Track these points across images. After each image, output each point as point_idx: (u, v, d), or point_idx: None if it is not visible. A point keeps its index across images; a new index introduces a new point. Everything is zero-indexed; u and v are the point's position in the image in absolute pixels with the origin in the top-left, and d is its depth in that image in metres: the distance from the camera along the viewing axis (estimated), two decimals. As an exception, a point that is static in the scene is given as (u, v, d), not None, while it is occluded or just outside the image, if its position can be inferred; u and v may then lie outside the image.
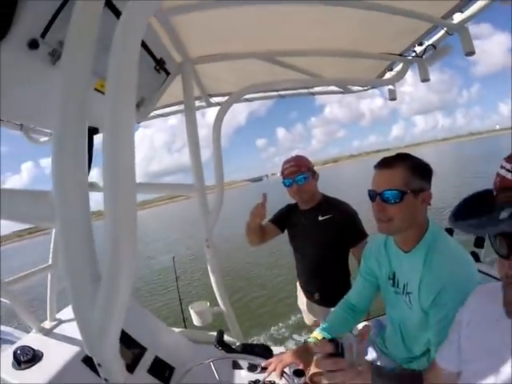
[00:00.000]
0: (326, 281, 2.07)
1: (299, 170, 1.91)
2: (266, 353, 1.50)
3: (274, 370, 1.22)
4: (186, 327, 2.15)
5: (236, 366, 1.56)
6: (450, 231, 1.61)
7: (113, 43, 0.51)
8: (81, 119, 0.59)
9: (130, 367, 1.35)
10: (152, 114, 1.80)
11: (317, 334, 1.38)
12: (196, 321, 2.00)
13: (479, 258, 2.35)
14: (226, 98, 2.15)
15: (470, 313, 0.87)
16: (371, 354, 1.50)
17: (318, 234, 1.96)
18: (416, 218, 1.13)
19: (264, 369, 1.46)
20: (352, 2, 1.27)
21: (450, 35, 1.50)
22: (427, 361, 1.16)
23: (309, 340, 1.36)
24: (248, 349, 1.47)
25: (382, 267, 1.33)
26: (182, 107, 2.23)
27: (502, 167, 0.64)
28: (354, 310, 1.47)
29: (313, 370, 1.47)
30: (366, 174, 1.07)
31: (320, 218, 1.95)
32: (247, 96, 2.17)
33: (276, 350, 1.67)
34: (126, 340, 1.44)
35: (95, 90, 1.00)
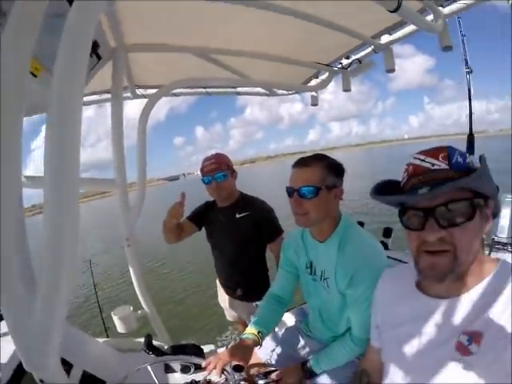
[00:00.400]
0: (246, 276, 2.11)
1: (219, 167, 1.90)
2: (197, 352, 1.48)
3: (215, 368, 1.22)
4: (108, 336, 1.96)
5: (168, 369, 1.50)
6: (360, 223, 1.80)
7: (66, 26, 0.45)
8: (18, 106, 0.50)
9: None
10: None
11: (251, 329, 1.40)
12: (120, 327, 1.86)
13: (387, 246, 2.63)
14: (153, 90, 2.05)
15: (383, 291, 1.01)
16: (298, 340, 1.58)
17: (236, 231, 1.98)
18: (330, 212, 1.23)
19: (197, 369, 1.44)
20: (293, 12, 1.31)
21: (375, 53, 1.66)
22: (350, 338, 1.28)
23: (243, 336, 1.38)
24: (179, 350, 1.45)
25: (300, 258, 1.42)
26: (105, 96, 2.03)
27: (414, 158, 0.79)
28: (280, 301, 1.54)
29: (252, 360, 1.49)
30: (282, 174, 1.17)
31: (237, 216, 1.97)
32: (175, 90, 2.08)
33: (206, 348, 1.65)
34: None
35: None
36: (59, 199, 0.45)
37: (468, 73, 3.84)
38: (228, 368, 1.25)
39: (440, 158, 0.74)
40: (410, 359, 0.84)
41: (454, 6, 1.39)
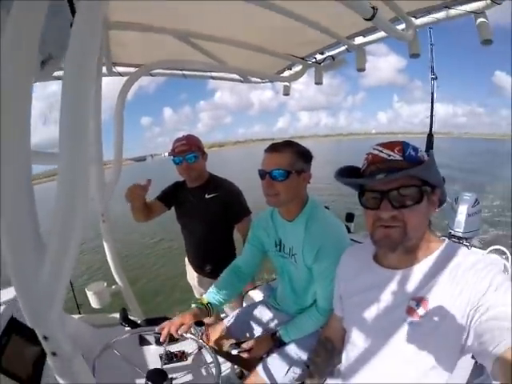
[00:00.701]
0: (214, 255, 2.18)
1: (190, 148, 1.95)
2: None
3: (169, 332, 1.31)
4: (80, 313, 1.96)
5: (143, 342, 1.53)
6: (326, 208, 1.96)
7: None
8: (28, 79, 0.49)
9: (38, 361, 1.21)
10: (55, 75, 1.56)
11: (202, 299, 1.53)
12: (94, 303, 1.87)
13: (350, 229, 2.82)
14: (130, 69, 2.04)
15: (345, 264, 1.16)
16: (266, 313, 1.69)
17: (205, 211, 2.04)
18: (298, 193, 1.37)
19: (171, 340, 1.52)
20: (274, 7, 1.36)
21: (348, 52, 1.79)
22: (316, 310, 1.41)
23: (193, 305, 1.49)
24: (153, 323, 1.47)
25: (269, 236, 1.54)
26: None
27: (374, 149, 0.92)
28: (239, 275, 1.65)
29: (216, 335, 1.60)
30: (251, 159, 1.27)
31: (207, 196, 2.04)
32: (153, 71, 2.08)
33: None
34: (26, 333, 1.26)
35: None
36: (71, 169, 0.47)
37: (433, 79, 4.16)
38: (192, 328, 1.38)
39: (395, 151, 0.88)
40: (367, 323, 0.99)
41: (425, 19, 1.53)
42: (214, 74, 2.49)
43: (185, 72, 2.35)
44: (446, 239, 0.96)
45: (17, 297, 0.48)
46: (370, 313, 0.99)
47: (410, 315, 0.88)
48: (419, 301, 0.87)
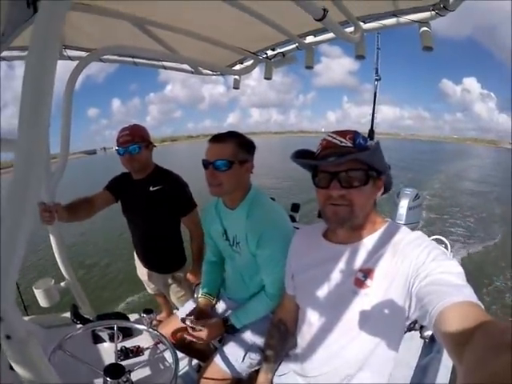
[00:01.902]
0: (161, 249, 2.16)
1: (132, 139, 1.92)
2: (122, 320, 1.52)
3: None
4: (27, 314, 1.83)
5: (97, 339, 1.49)
6: (272, 199, 2.03)
7: None
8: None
9: None
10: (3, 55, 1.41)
11: (200, 294, 1.67)
12: (43, 301, 1.77)
13: (295, 219, 2.89)
14: (81, 53, 1.93)
15: (296, 244, 1.24)
16: (217, 302, 1.74)
17: (149, 204, 2.01)
18: (241, 183, 1.41)
19: (126, 336, 1.49)
20: (229, 0, 1.39)
21: (299, 50, 1.86)
22: (265, 295, 1.44)
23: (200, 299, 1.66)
24: (105, 319, 1.44)
25: (215, 226, 1.57)
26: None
27: (328, 136, 1.01)
28: (216, 264, 1.74)
29: (171, 328, 1.61)
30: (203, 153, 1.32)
31: (151, 189, 2.00)
32: (104, 56, 1.98)
33: (131, 317, 1.71)
34: None
35: None
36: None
37: (377, 79, 4.47)
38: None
39: (347, 138, 0.97)
40: (319, 296, 1.07)
41: (373, 24, 1.63)
42: (165, 63, 2.43)
43: (136, 60, 2.26)
44: (390, 220, 1.07)
45: None
46: (321, 287, 1.07)
47: (357, 286, 0.97)
48: (366, 272, 0.96)
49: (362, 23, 1.63)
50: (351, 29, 1.61)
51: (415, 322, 1.58)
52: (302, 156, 1.06)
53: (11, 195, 0.45)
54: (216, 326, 1.48)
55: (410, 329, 1.58)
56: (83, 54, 1.93)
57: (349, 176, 0.94)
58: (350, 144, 0.96)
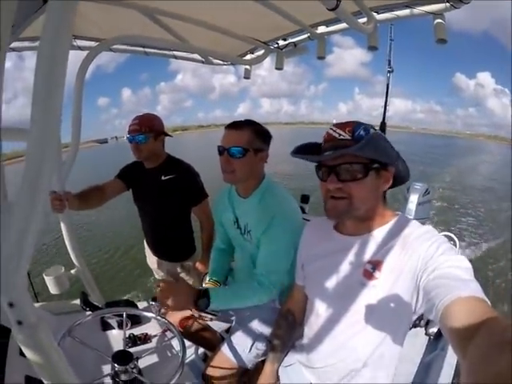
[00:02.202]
0: (171, 238, 2.19)
1: (140, 129, 1.95)
2: (131, 307, 1.54)
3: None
4: (38, 301, 1.86)
5: (106, 326, 1.52)
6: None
7: None
8: None
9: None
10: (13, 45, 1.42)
11: (208, 280, 1.66)
12: (53, 289, 1.79)
13: (304, 210, 2.88)
14: (90, 43, 1.94)
15: (307, 234, 1.25)
16: None
17: (161, 193, 2.04)
18: (254, 172, 1.41)
19: (134, 323, 1.52)
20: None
21: (310, 40, 1.83)
22: (258, 283, 1.36)
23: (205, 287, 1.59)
24: (114, 306, 1.47)
25: (227, 214, 1.58)
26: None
27: (330, 128, 1.01)
28: (224, 251, 1.75)
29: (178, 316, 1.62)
30: (214, 143, 1.34)
31: (163, 178, 2.03)
32: (114, 46, 1.98)
33: (140, 304, 1.73)
34: None
35: None
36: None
37: (389, 71, 4.40)
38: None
39: (346, 131, 0.96)
40: (327, 287, 1.07)
41: (386, 15, 1.60)
42: (176, 53, 2.42)
43: (146, 49, 2.26)
44: (400, 213, 1.06)
45: None
46: (330, 277, 1.07)
47: (366, 278, 0.97)
48: (375, 264, 0.96)
49: (375, 14, 1.60)
50: (364, 19, 1.58)
51: (421, 318, 1.58)
52: (303, 151, 1.06)
53: (23, 184, 0.45)
54: (184, 293, 1.22)
55: (415, 325, 1.58)
56: (93, 43, 1.93)
57: (346, 169, 0.95)
58: (348, 137, 0.96)
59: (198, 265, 2.23)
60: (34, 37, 1.73)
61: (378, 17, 1.62)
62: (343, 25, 1.67)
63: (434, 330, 1.61)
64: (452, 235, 2.47)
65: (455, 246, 2.40)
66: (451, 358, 1.36)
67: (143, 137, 1.93)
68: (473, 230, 8.27)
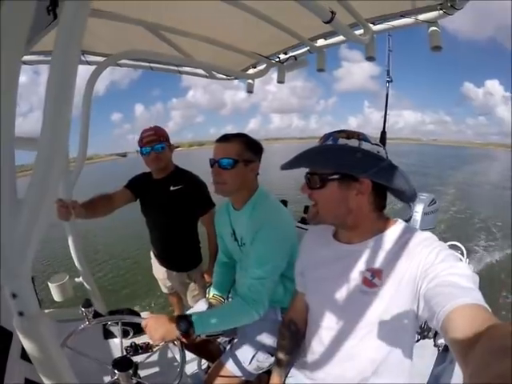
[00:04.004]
0: (178, 247, 2.22)
1: (158, 139, 2.01)
2: (134, 316, 1.55)
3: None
4: (41, 308, 1.89)
5: (108, 335, 1.53)
6: (284, 202, 2.03)
7: None
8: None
9: (0, 354, 1.16)
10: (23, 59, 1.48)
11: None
12: (57, 296, 1.82)
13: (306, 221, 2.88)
14: (98, 58, 2.01)
15: (307, 242, 1.24)
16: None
17: (170, 203, 2.07)
18: (246, 183, 1.41)
19: (136, 332, 1.52)
20: (241, 5, 1.42)
21: (310, 53, 1.88)
22: (242, 298, 1.33)
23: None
24: (117, 314, 1.50)
25: (225, 227, 1.59)
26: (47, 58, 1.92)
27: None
28: (228, 264, 1.74)
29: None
30: None
31: (172, 188, 2.07)
32: (121, 61, 2.05)
33: (144, 315, 1.74)
34: None
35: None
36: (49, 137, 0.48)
37: (388, 81, 4.41)
38: None
39: (320, 140, 1.02)
40: (327, 295, 1.07)
41: (382, 25, 1.64)
42: (181, 68, 2.48)
43: (152, 64, 2.33)
44: (400, 220, 1.05)
45: None
46: (330, 286, 1.06)
47: (366, 286, 0.96)
48: (374, 272, 0.96)
49: (371, 25, 1.63)
50: (361, 31, 1.62)
51: (429, 329, 1.55)
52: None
53: (33, 179, 0.47)
54: (164, 323, 1.21)
55: (423, 337, 1.55)
56: (100, 58, 2.00)
57: (309, 178, 1.01)
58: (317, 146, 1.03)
59: (206, 275, 2.29)
60: (45, 51, 1.81)
61: (375, 28, 1.65)
62: (341, 37, 1.70)
63: (442, 341, 1.57)
64: (459, 244, 2.43)
65: (463, 255, 2.36)
66: (460, 371, 1.33)
67: (162, 145, 2.01)
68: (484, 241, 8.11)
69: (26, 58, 1.48)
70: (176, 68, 2.46)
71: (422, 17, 1.51)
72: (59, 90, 0.47)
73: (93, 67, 1.68)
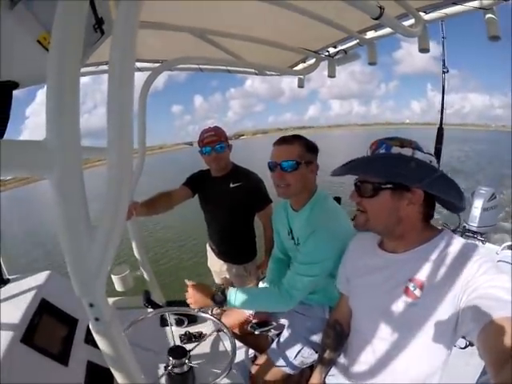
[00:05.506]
0: (236, 241, 2.32)
1: (219, 139, 2.07)
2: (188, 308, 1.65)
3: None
4: None
5: (164, 323, 1.63)
6: (337, 199, 2.00)
7: None
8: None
9: (67, 338, 1.30)
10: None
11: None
12: (118, 286, 1.99)
13: None
14: (149, 64, 2.16)
15: (353, 248, 1.24)
16: None
17: (230, 200, 2.16)
18: (307, 184, 1.42)
19: (190, 322, 1.63)
20: (287, 5, 1.41)
21: (360, 46, 1.83)
22: (279, 289, 1.37)
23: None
24: (174, 305, 1.57)
25: (283, 226, 1.61)
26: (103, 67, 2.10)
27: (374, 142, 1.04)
28: (282, 260, 1.78)
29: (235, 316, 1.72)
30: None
31: (231, 185, 2.15)
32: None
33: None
34: (55, 312, 1.36)
35: (37, 41, 0.90)
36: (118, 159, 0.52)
37: (444, 72, 4.04)
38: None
39: (372, 147, 1.02)
40: (368, 303, 1.08)
41: (434, 14, 1.56)
42: (229, 67, 2.54)
43: (201, 66, 2.42)
44: (445, 229, 1.02)
45: (68, 271, 0.53)
46: (371, 294, 1.07)
47: (407, 296, 0.95)
48: (416, 282, 0.94)
49: (422, 13, 1.55)
50: (412, 21, 1.54)
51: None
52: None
53: (106, 206, 0.53)
54: (203, 291, 1.37)
55: (471, 344, 1.49)
56: (149, 65, 2.13)
57: (359, 186, 1.02)
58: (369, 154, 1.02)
59: (262, 267, 2.37)
60: (93, 63, 2.00)
61: (426, 17, 1.57)
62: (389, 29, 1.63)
63: None
64: None
65: None
66: None
67: (223, 145, 2.09)
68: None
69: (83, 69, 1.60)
70: (225, 67, 2.52)
71: (476, 3, 1.41)
72: (119, 100, 0.50)
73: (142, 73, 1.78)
